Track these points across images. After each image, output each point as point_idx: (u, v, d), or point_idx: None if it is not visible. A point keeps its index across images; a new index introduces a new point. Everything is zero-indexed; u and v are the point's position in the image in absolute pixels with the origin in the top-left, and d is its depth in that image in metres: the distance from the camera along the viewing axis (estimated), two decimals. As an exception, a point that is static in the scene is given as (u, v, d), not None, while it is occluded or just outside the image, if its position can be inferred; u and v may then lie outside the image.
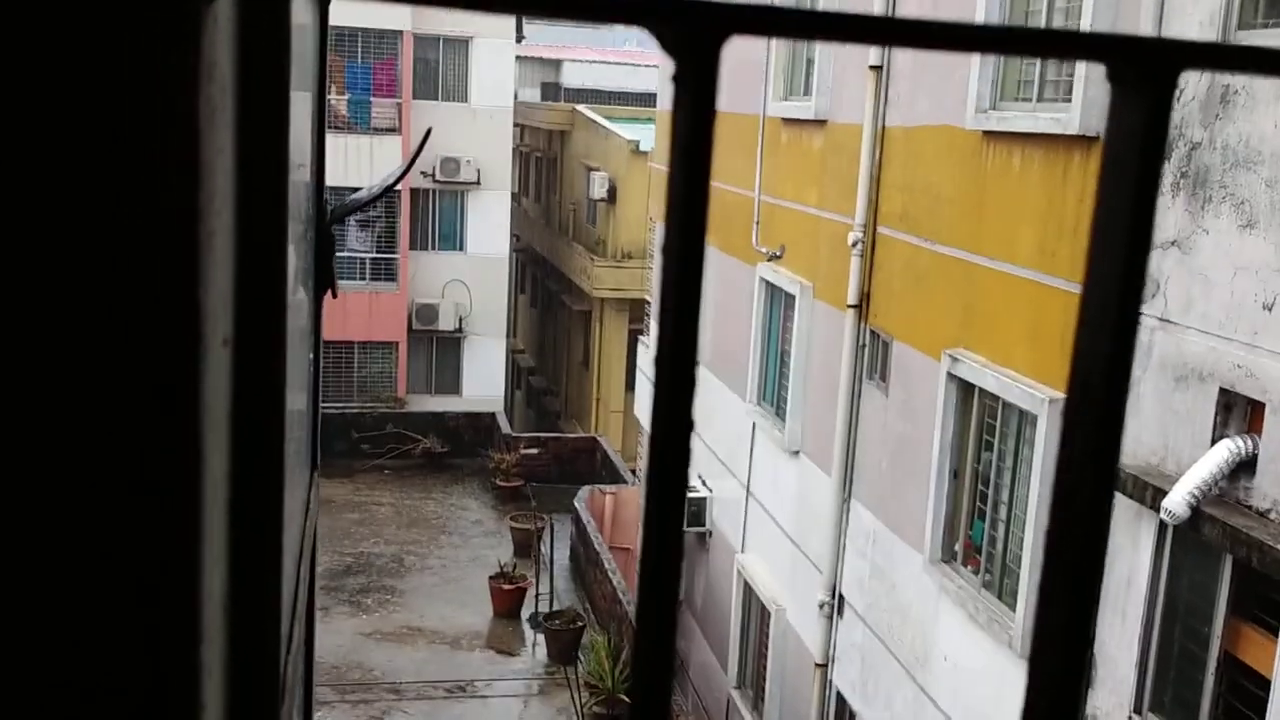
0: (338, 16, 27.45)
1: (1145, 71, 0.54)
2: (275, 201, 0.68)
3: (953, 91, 9.09)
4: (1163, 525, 6.56)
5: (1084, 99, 7.40)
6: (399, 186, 25.73)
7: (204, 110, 0.47)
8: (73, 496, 0.49)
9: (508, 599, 18.04)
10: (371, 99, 26.07)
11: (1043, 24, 8.20)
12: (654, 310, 18.37)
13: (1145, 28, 6.89)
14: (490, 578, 18.29)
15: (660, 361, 0.52)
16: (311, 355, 1.62)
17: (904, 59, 10.09)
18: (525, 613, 18.10)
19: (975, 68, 8.70)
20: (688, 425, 0.52)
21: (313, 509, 1.50)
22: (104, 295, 0.47)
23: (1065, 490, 0.58)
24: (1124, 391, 0.55)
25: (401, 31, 25.82)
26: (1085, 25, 7.42)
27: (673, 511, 0.54)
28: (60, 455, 0.48)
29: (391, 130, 25.97)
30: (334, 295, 1.71)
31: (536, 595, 17.99)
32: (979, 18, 8.64)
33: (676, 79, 0.51)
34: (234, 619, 0.76)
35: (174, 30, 0.44)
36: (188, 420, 0.51)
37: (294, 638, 1.12)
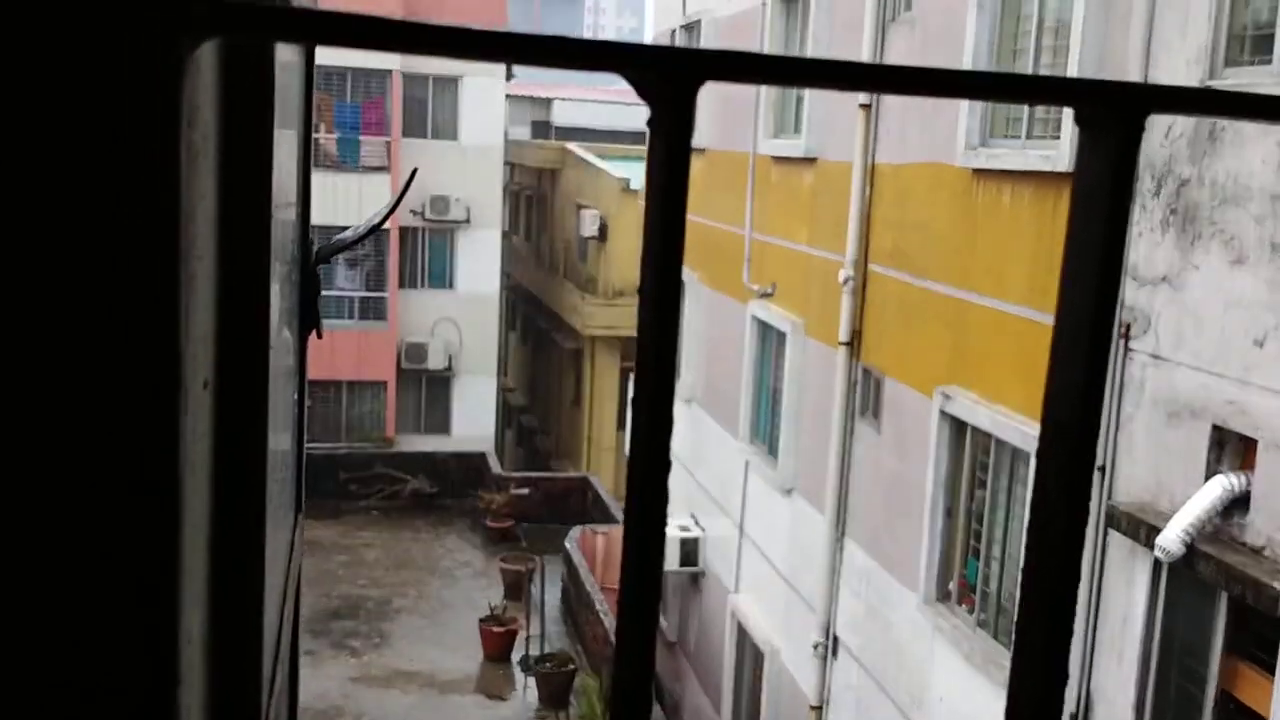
0: (326, 56, 27.67)
1: (1113, 115, 0.54)
2: (258, 245, 0.68)
3: (942, 129, 9.16)
4: (1157, 563, 6.55)
5: (1073, 136, 7.46)
6: (388, 225, 25.79)
7: (185, 156, 0.48)
8: (47, 535, 0.49)
9: (498, 642, 17.90)
10: (360, 137, 26.18)
11: (1030, 61, 8.29)
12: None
13: (1133, 65, 6.96)
14: (480, 620, 18.15)
15: (638, 401, 0.52)
16: (296, 396, 1.62)
17: (894, 97, 10.18)
18: (516, 656, 17.95)
19: (964, 105, 8.77)
20: (664, 465, 0.52)
21: (297, 551, 1.49)
22: (83, 337, 0.47)
23: (1040, 523, 0.59)
24: (1095, 427, 0.56)
25: (391, 70, 25.96)
26: (1073, 61, 7.49)
27: (652, 552, 0.54)
28: (36, 493, 0.48)
29: (381, 169, 26.06)
30: (319, 336, 1.71)
31: (527, 638, 17.85)
32: (967, 56, 8.73)
33: (651, 124, 0.52)
34: (215, 661, 0.76)
35: (155, 77, 0.45)
36: (166, 462, 0.51)
37: (276, 681, 1.11)
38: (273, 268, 1.28)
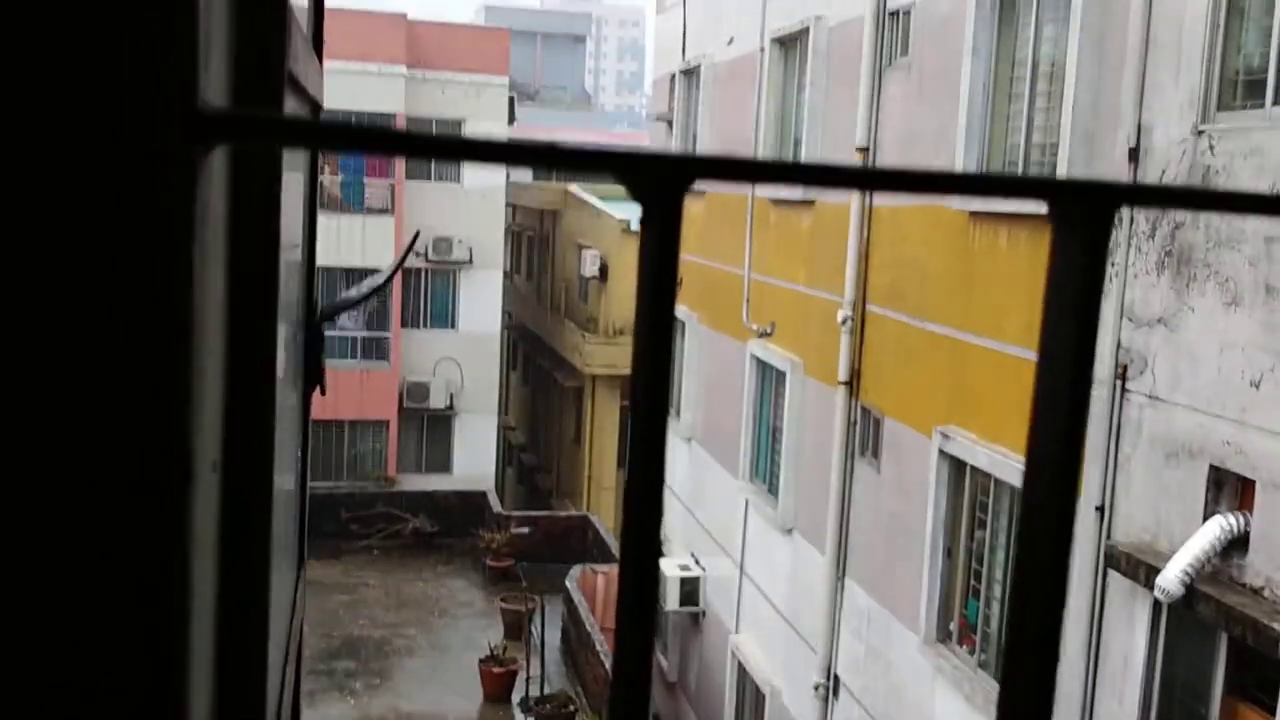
0: (331, 98, 27.83)
1: (1084, 210, 0.57)
2: (265, 329, 0.71)
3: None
4: (1157, 603, 6.54)
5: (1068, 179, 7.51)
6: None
7: (198, 256, 0.50)
8: (57, 629, 0.51)
9: (498, 682, 17.79)
10: (365, 180, 26.35)
11: (1025, 104, 8.36)
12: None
13: (1126, 109, 7.03)
14: (480, 660, 18.05)
15: (629, 492, 0.54)
16: (299, 453, 1.64)
17: (890, 140, 10.26)
18: (516, 696, 17.84)
19: (961, 146, 8.84)
20: (656, 554, 0.54)
21: (299, 606, 1.50)
22: (97, 429, 0.49)
23: (1022, 574, 0.60)
24: (1072, 509, 0.58)
25: (395, 114, 26.17)
26: (1067, 105, 7.56)
27: (647, 599, 0.56)
28: (44, 588, 0.50)
29: (384, 210, 26.21)
30: (323, 393, 1.73)
31: (527, 678, 17.74)
32: (963, 99, 8.81)
33: (643, 222, 0.55)
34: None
35: (169, 184, 0.47)
36: (175, 545, 0.53)
37: (279, 739, 1.13)
38: (280, 330, 1.31)
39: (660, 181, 0.53)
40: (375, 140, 0.48)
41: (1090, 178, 0.61)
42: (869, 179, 0.53)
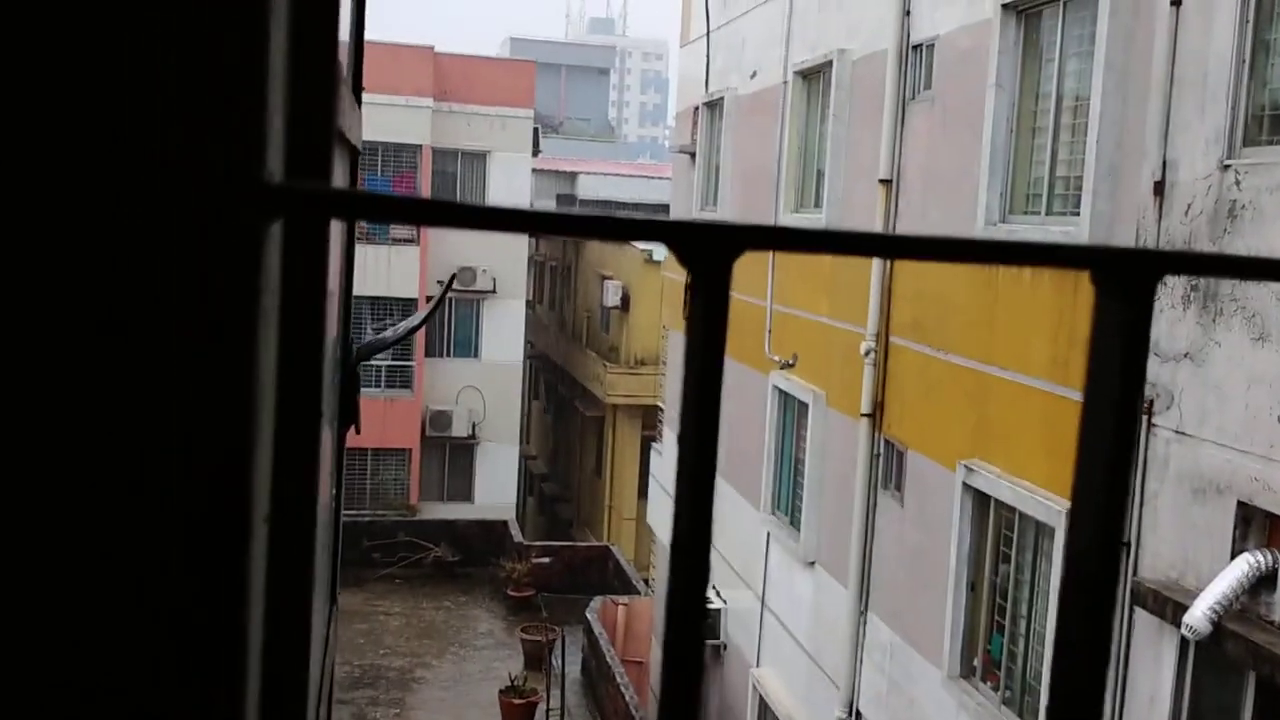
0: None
1: (1127, 279, 0.58)
2: (312, 382, 0.72)
3: (962, 204, 9.23)
4: (1184, 641, 6.47)
5: (1092, 212, 7.51)
6: (415, 295, 26.03)
7: (261, 323, 0.52)
8: (118, 690, 0.52)
9: (518, 713, 17.72)
10: (390, 210, 26.53)
11: (1049, 139, 8.36)
12: (671, 441, 18.10)
13: (1151, 145, 7.02)
14: (500, 691, 17.99)
15: (674, 563, 0.55)
16: (334, 490, 1.66)
17: (914, 171, 10.27)
18: (537, 727, 17.76)
19: (984, 179, 8.85)
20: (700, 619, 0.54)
21: (331, 644, 1.51)
22: (169, 494, 0.51)
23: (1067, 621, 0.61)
24: (1114, 591, 0.58)
25: (421, 145, 26.39)
26: (1091, 141, 7.56)
27: (692, 641, 0.57)
28: (127, 646, 0.51)
29: (410, 241, 26.38)
30: (358, 431, 1.75)
31: (548, 710, 17.67)
32: (986, 134, 8.82)
33: (692, 289, 0.56)
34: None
35: (236, 257, 0.49)
36: (235, 603, 0.54)
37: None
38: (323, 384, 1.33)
39: (710, 251, 0.54)
40: (429, 212, 0.50)
41: (1131, 246, 0.62)
42: (909, 247, 0.54)
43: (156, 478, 0.53)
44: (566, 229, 0.53)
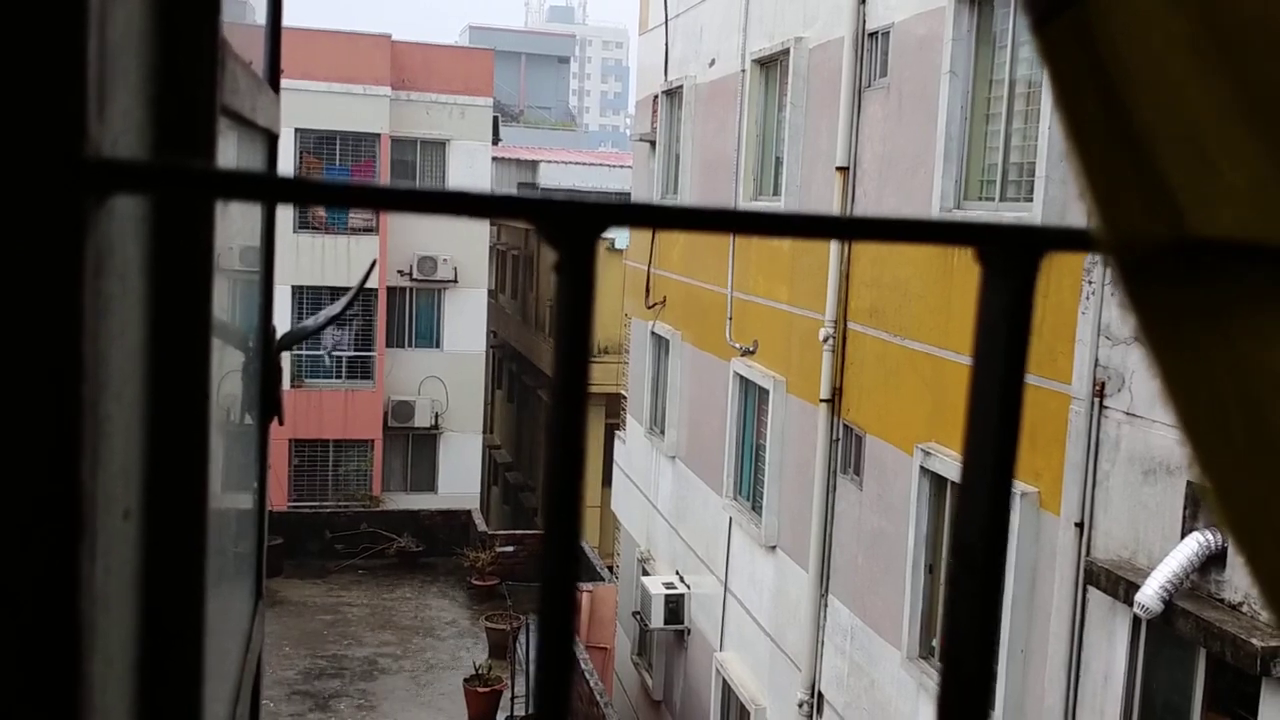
0: (316, 119, 27.66)
1: (1011, 255, 0.56)
2: (195, 368, 0.69)
3: (918, 190, 9.27)
4: (1137, 620, 6.54)
5: (1045, 197, 7.55)
6: (374, 285, 25.86)
7: (91, 304, 0.49)
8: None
9: (483, 702, 17.70)
10: (349, 199, 26.33)
11: (1003, 124, 8.40)
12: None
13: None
14: (465, 680, 17.96)
15: (547, 541, 0.53)
16: (258, 483, 1.62)
17: (870, 157, 10.30)
18: (501, 716, 17.74)
19: (939, 165, 8.88)
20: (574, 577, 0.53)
21: (255, 641, 1.48)
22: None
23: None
24: (1000, 566, 0.57)
25: (379, 134, 26.18)
26: (1044, 127, 7.60)
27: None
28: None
29: (368, 230, 26.18)
30: (280, 423, 1.72)
31: (513, 698, 17.65)
32: (941, 120, 8.85)
33: (557, 268, 0.54)
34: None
35: (53, 235, 0.46)
36: (65, 613, 0.51)
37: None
38: (231, 356, 1.30)
39: (574, 229, 0.52)
40: (276, 188, 0.47)
41: (1019, 223, 0.61)
42: (783, 225, 0.53)
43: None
44: (424, 206, 0.51)
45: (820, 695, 11.02)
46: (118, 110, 0.54)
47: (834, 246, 10.65)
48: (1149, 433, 6.62)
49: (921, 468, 9.11)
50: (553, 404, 0.57)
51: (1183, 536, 6.24)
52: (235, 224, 1.25)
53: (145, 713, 0.67)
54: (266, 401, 1.57)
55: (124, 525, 0.61)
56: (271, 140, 1.58)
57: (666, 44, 15.92)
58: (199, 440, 0.71)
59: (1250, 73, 0.46)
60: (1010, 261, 0.56)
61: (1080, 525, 7.10)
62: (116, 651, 0.61)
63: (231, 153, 1.03)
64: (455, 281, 27.23)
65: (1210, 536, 6.09)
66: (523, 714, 17.28)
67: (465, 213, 0.52)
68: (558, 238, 0.53)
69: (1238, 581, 5.98)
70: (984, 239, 0.56)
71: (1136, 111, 0.49)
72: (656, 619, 14.74)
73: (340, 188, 0.48)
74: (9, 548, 0.47)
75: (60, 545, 0.48)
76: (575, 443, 0.55)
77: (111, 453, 0.57)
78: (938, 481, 9.04)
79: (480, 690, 17.67)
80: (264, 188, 0.48)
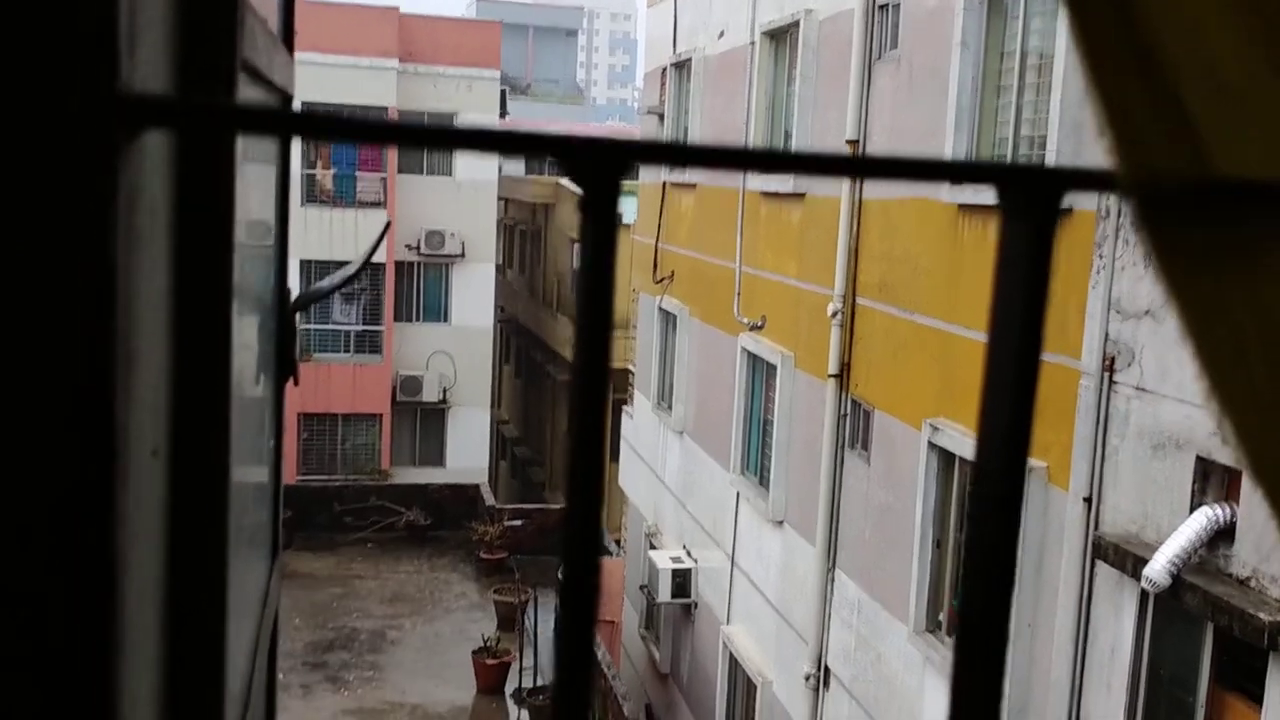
0: (323, 93, 27.59)
1: (1032, 196, 0.57)
2: (218, 313, 0.70)
3: (928, 164, 9.22)
4: (1144, 594, 6.56)
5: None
6: (383, 259, 25.86)
7: (125, 240, 0.50)
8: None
9: (491, 674, 17.82)
10: (357, 174, 26.30)
11: (1014, 96, 8.36)
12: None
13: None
14: (474, 652, 18.07)
15: (571, 480, 0.54)
16: (273, 441, 1.63)
17: (880, 130, 10.26)
18: (509, 688, 17.86)
19: (950, 138, 8.84)
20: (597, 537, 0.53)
21: (272, 598, 1.50)
22: (12, 423, 0.49)
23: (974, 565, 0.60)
24: (1017, 506, 0.57)
25: (386, 108, 26.11)
26: (1055, 98, 7.56)
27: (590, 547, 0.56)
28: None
29: (377, 204, 26.16)
30: (295, 383, 1.73)
31: (521, 670, 17.77)
32: (951, 92, 8.81)
33: (582, 206, 0.55)
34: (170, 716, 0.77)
35: (88, 170, 0.46)
36: (102, 529, 0.52)
37: (246, 731, 1.12)
38: (247, 314, 1.30)
39: (598, 166, 0.53)
40: (295, 123, 0.48)
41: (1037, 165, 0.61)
42: (817, 164, 0.53)
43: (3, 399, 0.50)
44: (446, 143, 0.51)
45: (827, 668, 11.07)
46: (146, 55, 0.54)
47: (843, 221, 10.62)
48: (1159, 407, 6.61)
49: (930, 443, 9.11)
50: (577, 341, 0.57)
51: (1191, 511, 6.25)
52: (250, 195, 1.26)
53: (173, 645, 0.68)
54: (282, 360, 1.58)
55: (152, 462, 0.62)
56: (286, 100, 1.59)
57: (675, 16, 15.84)
58: (221, 383, 0.72)
59: (1272, 7, 0.46)
60: (1030, 202, 0.56)
61: (1089, 500, 7.11)
62: (147, 586, 0.62)
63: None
64: (463, 256, 27.22)
65: (1219, 511, 6.09)
66: (531, 685, 17.39)
67: (488, 149, 0.53)
68: (584, 175, 0.53)
69: (1246, 556, 5.99)
70: (1003, 178, 0.57)
71: (1158, 49, 0.49)
72: (664, 593, 14.80)
73: (359, 124, 0.48)
74: (47, 471, 0.48)
75: (95, 471, 0.48)
76: (598, 379, 0.56)
77: (141, 388, 0.57)
78: (946, 456, 9.04)
79: (489, 662, 17.78)
80: (285, 123, 0.49)
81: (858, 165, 0.54)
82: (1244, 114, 0.47)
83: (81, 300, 0.47)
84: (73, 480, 0.49)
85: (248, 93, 0.97)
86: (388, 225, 3.34)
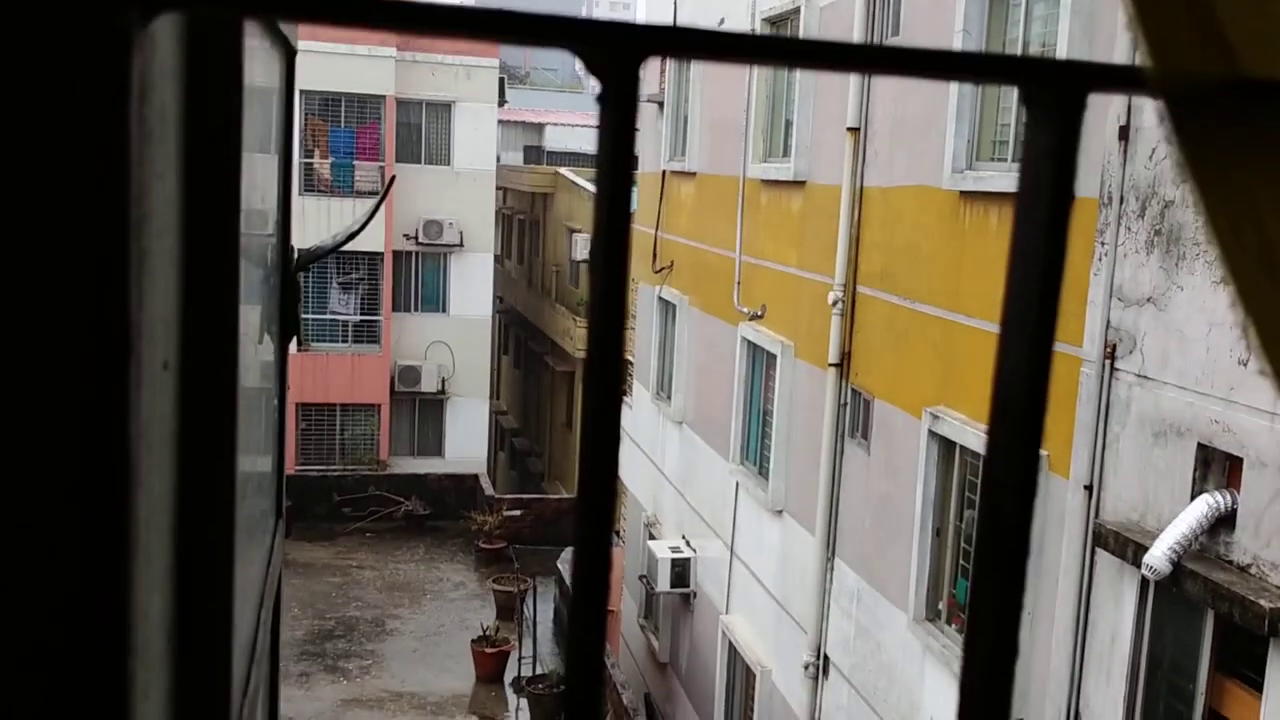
0: (321, 81, 27.53)
1: (1056, 92, 0.56)
2: (226, 226, 0.69)
3: (929, 152, 9.21)
4: (1145, 581, 6.55)
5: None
6: (381, 249, 25.83)
7: (136, 131, 0.49)
8: None
9: (490, 663, 17.83)
10: (355, 162, 26.26)
11: (1015, 99, 8.32)
12: (634, 364, 18.13)
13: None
14: (473, 641, 18.09)
15: (588, 382, 0.53)
16: (277, 402, 1.63)
17: (882, 121, 10.24)
18: (508, 677, 17.88)
19: (951, 127, 8.83)
20: (614, 446, 0.52)
21: (276, 555, 1.49)
22: (25, 313, 0.48)
23: (990, 509, 0.59)
24: (1042, 410, 0.57)
25: (384, 96, 26.07)
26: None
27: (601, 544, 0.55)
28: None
29: (374, 193, 26.10)
30: (299, 345, 1.72)
31: (520, 659, 17.78)
32: (951, 97, 8.78)
33: (600, 98, 0.53)
34: (180, 654, 0.76)
35: (102, 50, 0.45)
36: (117, 438, 0.51)
37: (252, 680, 1.11)
38: (251, 272, 1.29)
39: (618, 53, 0.51)
40: (323, 6, 0.47)
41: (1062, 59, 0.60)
42: (833, 55, 0.52)
43: (11, 293, 0.49)
44: (458, 29, 0.50)
45: (826, 658, 11.08)
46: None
47: (844, 210, 10.61)
48: (1160, 395, 6.60)
49: (930, 431, 9.11)
50: (593, 245, 0.56)
51: (1192, 498, 6.24)
52: (254, 177, 1.25)
53: (183, 561, 0.67)
54: (286, 319, 1.57)
55: (163, 375, 0.61)
56: (290, 55, 1.58)
57: (675, 3, 15.80)
58: (230, 297, 0.71)
59: None
60: (1055, 98, 0.55)
61: (1089, 488, 7.11)
62: (158, 497, 0.61)
63: (257, 61, 1.03)
64: (461, 246, 27.19)
65: (1220, 498, 6.09)
66: (530, 674, 17.40)
67: (501, 37, 0.51)
68: (602, 62, 0.52)
69: (1246, 543, 5.99)
70: (1027, 75, 0.56)
71: None
72: (663, 582, 14.80)
73: (366, 4, 0.47)
74: (62, 364, 0.47)
75: (108, 366, 0.47)
76: (618, 285, 0.55)
77: (154, 293, 0.56)
78: (946, 445, 9.04)
79: (488, 651, 17.80)
80: (297, 4, 0.47)
81: (881, 57, 0.53)
82: (1274, 21, 0.46)
83: (96, 190, 0.46)
84: (88, 373, 0.48)
85: (252, 40, 0.96)
86: (392, 180, 3.32)
